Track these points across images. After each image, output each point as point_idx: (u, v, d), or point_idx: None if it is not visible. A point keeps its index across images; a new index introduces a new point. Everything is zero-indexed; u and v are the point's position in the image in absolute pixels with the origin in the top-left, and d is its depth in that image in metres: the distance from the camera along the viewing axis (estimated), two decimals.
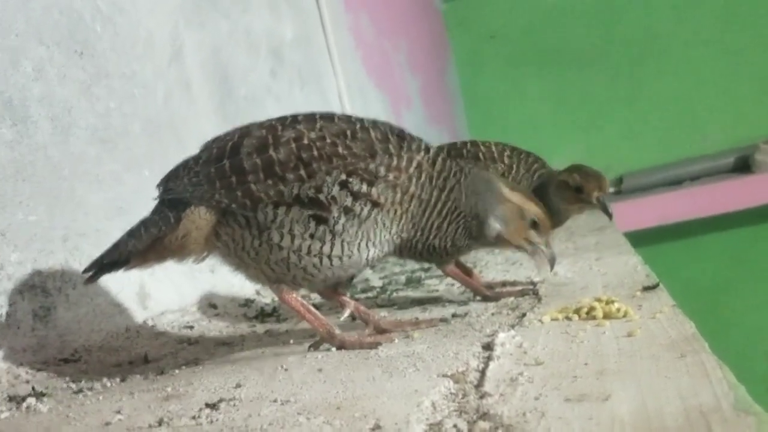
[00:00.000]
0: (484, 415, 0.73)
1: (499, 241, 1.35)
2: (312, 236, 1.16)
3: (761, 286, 5.32)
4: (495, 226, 1.31)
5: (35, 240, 1.39)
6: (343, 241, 1.18)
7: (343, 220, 1.16)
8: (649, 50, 5.82)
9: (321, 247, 1.17)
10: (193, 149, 1.42)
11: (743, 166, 5.12)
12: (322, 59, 2.94)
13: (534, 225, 1.33)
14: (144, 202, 1.64)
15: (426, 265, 2.46)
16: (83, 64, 1.56)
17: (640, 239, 2.76)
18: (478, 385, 0.86)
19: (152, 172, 1.73)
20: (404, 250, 1.30)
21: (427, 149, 1.25)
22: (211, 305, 1.88)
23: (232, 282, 2.03)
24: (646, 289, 1.32)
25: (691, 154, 5.58)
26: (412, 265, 2.57)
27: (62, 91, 1.49)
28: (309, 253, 1.17)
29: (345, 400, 0.86)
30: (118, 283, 1.59)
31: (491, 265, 2.15)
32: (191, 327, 1.69)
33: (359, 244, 1.19)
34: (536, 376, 0.85)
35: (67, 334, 1.42)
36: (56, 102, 1.47)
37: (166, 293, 1.76)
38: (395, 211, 1.20)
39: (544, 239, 1.35)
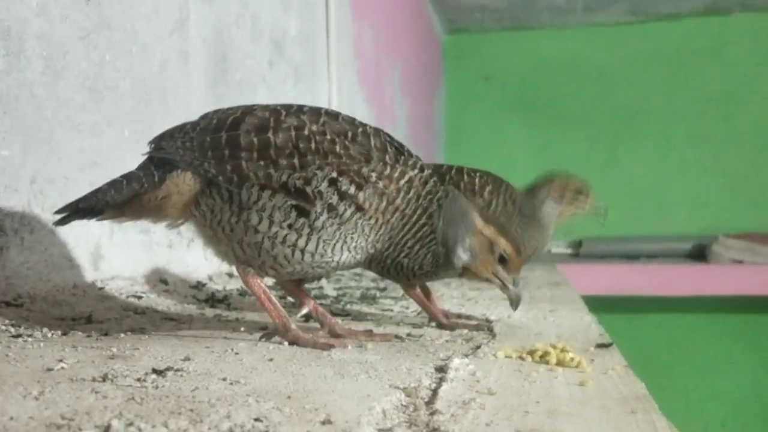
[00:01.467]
0: (435, 431, 0.73)
1: (466, 273, 1.32)
2: (290, 226, 1.15)
3: (695, 376, 5.44)
4: (462, 256, 1.29)
5: (2, 175, 1.35)
6: (319, 238, 1.16)
7: (324, 216, 1.15)
8: (632, 124, 5.97)
9: (296, 240, 1.16)
10: (178, 120, 1.40)
11: (699, 254, 5.24)
12: (319, 61, 2.95)
13: (502, 260, 1.30)
14: (118, 160, 1.61)
15: (382, 284, 2.46)
16: (88, 10, 1.54)
17: (588, 304, 2.78)
18: (429, 402, 0.85)
19: (132, 132, 1.71)
20: (374, 262, 1.29)
21: (422, 168, 1.25)
22: (162, 280, 1.85)
23: (188, 261, 2.01)
24: (600, 346, 1.33)
25: (651, 233, 5.71)
26: (367, 282, 2.57)
27: (61, 32, 1.47)
28: (284, 242, 1.16)
29: (296, 391, 0.84)
30: (75, 238, 1.56)
31: (447, 298, 2.15)
32: (139, 297, 1.66)
33: (335, 244, 1.18)
34: (488, 404, 0.85)
35: (15, 278, 1.38)
36: (53, 42, 1.44)
37: (120, 259, 1.73)
38: (376, 220, 1.19)
39: (513, 276, 1.32)
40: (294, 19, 2.67)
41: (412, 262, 1.27)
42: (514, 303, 1.35)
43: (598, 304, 2.44)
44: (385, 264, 1.28)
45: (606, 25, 6.01)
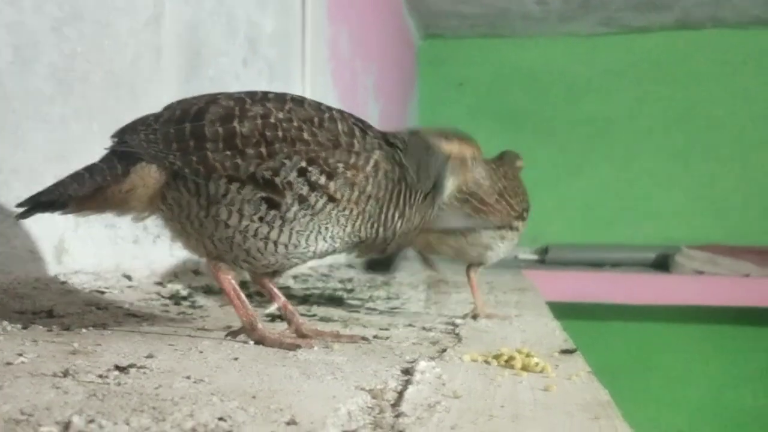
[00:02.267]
0: None
1: (452, 192, 1.36)
2: (261, 219, 1.13)
3: (655, 383, 5.52)
4: (449, 185, 1.32)
5: None
6: (292, 229, 1.15)
7: (295, 208, 1.14)
8: (603, 134, 6.05)
9: (269, 232, 1.14)
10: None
11: (662, 264, 5.32)
12: (294, 61, 2.94)
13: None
14: (85, 154, 1.58)
15: (349, 285, 2.47)
16: (61, 0, 1.52)
17: (553, 310, 2.82)
18: (395, 404, 0.85)
19: (101, 126, 1.68)
20: (369, 248, 1.26)
21: (380, 145, 1.22)
22: (126, 276, 1.83)
23: (152, 258, 1.99)
24: (564, 352, 1.34)
25: (616, 242, 5.79)
26: (334, 283, 2.57)
27: (33, 22, 1.44)
28: (255, 235, 1.14)
29: (261, 391, 0.84)
30: (39, 230, 1.53)
31: (414, 300, 2.16)
32: (102, 292, 1.63)
33: (309, 235, 1.17)
34: (453, 408, 0.85)
35: None
36: (24, 32, 1.42)
37: (84, 253, 1.71)
38: (351, 210, 1.18)
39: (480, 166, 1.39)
40: (269, 18, 2.66)
41: (409, 223, 1.26)
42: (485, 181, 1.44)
43: (563, 311, 2.47)
44: (390, 244, 1.26)
45: (579, 36, 6.08)
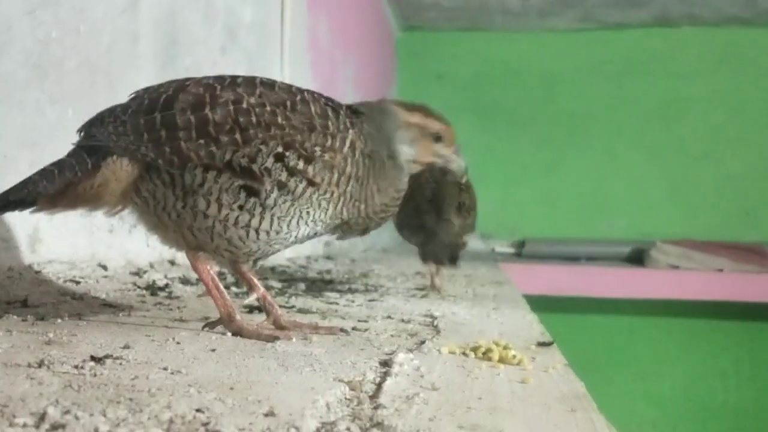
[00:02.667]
0: (378, 425, 0.73)
1: (413, 165, 1.31)
2: (241, 207, 1.12)
3: (630, 376, 5.59)
4: (405, 152, 1.27)
5: None
6: (273, 215, 1.14)
7: (275, 194, 1.12)
8: (580, 129, 6.09)
9: (249, 220, 1.13)
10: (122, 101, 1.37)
11: (637, 258, 5.38)
12: (273, 50, 2.91)
13: (438, 139, 1.30)
14: (60, 141, 1.56)
15: (327, 276, 2.46)
16: None
17: (530, 303, 2.83)
18: (374, 396, 0.85)
19: (76, 112, 1.66)
20: (350, 227, 1.25)
21: (353, 123, 1.21)
22: (101, 266, 1.81)
23: (128, 248, 1.97)
24: (541, 344, 1.35)
25: (592, 236, 5.84)
26: (313, 273, 2.56)
27: (6, 6, 1.42)
28: (236, 224, 1.13)
29: (239, 383, 0.83)
30: (13, 219, 1.51)
31: (392, 292, 2.16)
32: (77, 282, 1.61)
33: (290, 220, 1.15)
34: (431, 400, 0.85)
35: None
36: None
37: (59, 242, 1.68)
38: (332, 193, 1.17)
39: (452, 150, 1.32)
40: (248, 6, 2.64)
41: (384, 196, 1.24)
42: (461, 172, 1.38)
43: (539, 304, 2.49)
44: (374, 220, 1.26)
45: (557, 31, 6.11)
